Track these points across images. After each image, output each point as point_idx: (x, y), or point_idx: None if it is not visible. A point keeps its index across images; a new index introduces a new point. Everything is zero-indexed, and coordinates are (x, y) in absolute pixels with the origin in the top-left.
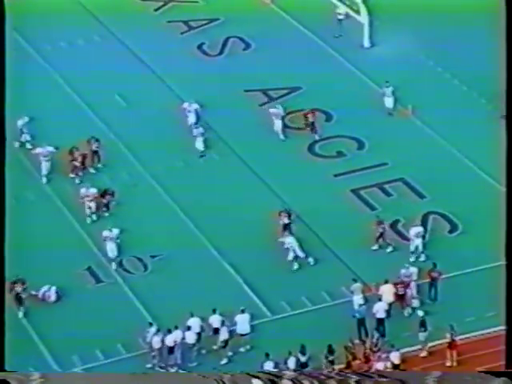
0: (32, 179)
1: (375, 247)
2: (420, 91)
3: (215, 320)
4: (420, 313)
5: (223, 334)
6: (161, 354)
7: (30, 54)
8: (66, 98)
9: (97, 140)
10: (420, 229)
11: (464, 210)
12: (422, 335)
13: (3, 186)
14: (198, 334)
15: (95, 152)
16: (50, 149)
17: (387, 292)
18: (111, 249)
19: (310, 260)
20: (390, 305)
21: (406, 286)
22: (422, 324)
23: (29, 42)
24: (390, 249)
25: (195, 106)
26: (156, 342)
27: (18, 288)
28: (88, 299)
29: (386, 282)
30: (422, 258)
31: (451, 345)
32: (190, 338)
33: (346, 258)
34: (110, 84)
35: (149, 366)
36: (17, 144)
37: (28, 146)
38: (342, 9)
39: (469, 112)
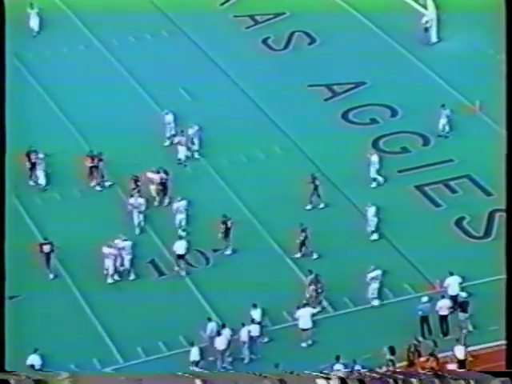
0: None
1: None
2: (487, 87)
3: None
4: (463, 294)
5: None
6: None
7: (98, 49)
8: (131, 91)
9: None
10: (374, 209)
11: None
12: (462, 315)
13: (3, 186)
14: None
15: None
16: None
17: (453, 284)
18: (180, 219)
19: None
20: (456, 297)
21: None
22: (462, 306)
23: (97, 38)
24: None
25: (170, 117)
26: (220, 342)
27: (46, 248)
28: (151, 292)
29: (451, 274)
30: (375, 236)
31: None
32: (255, 330)
33: (409, 255)
34: (174, 78)
35: (211, 358)
36: (183, 156)
37: (196, 155)
38: (427, 17)
39: None
